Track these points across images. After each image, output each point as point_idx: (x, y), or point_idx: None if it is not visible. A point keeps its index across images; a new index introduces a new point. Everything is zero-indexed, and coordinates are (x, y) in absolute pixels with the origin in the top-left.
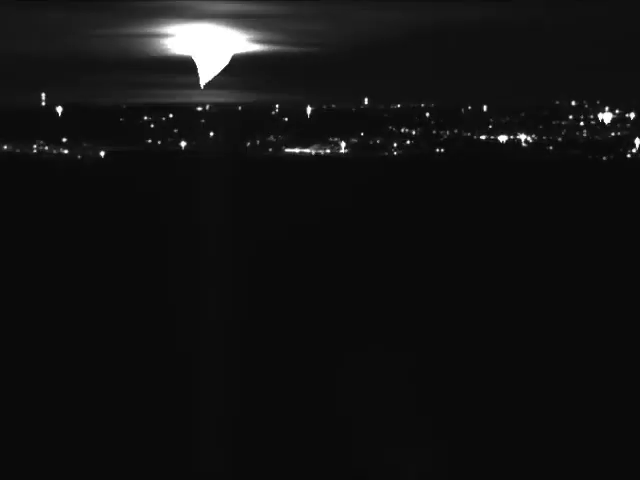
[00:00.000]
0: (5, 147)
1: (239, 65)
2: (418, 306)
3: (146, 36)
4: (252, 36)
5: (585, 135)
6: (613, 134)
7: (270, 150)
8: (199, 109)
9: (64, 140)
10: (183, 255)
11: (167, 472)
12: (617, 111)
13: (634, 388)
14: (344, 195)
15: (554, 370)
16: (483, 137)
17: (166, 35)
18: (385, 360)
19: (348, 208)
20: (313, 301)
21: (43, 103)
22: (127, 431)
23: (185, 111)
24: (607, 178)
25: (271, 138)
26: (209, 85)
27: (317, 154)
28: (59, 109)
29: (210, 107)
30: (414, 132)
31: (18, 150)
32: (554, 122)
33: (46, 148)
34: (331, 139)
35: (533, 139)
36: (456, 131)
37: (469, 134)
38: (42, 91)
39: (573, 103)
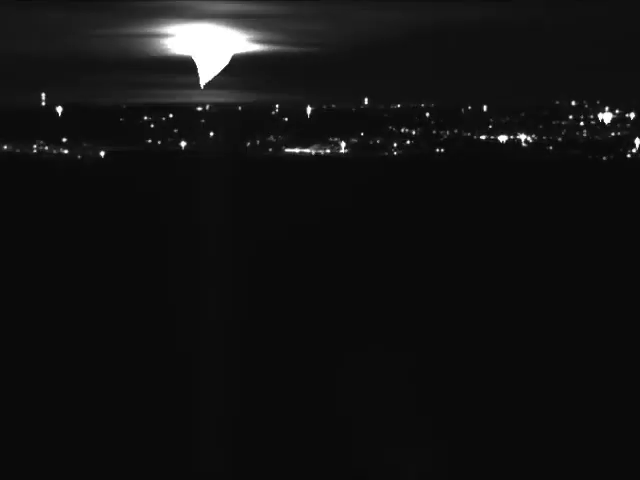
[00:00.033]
0: (5, 147)
1: (239, 65)
2: (418, 306)
3: (146, 36)
4: (252, 36)
5: (585, 135)
6: (613, 134)
7: (270, 150)
8: (199, 109)
9: (64, 140)
10: (183, 255)
11: (167, 472)
12: (617, 111)
13: (634, 388)
14: (344, 195)
15: (554, 370)
16: (483, 137)
17: (166, 35)
18: (385, 360)
19: (348, 208)
20: (313, 301)
21: (43, 103)
22: (127, 431)
23: (185, 111)
24: (607, 178)
25: (271, 138)
26: (209, 85)
27: (317, 154)
28: (59, 109)
29: (210, 107)
30: (414, 132)
31: (18, 150)
32: (554, 122)
33: (46, 148)
34: (331, 139)
35: (533, 139)
36: (456, 131)
37: (469, 134)
38: (42, 91)
39: (573, 103)
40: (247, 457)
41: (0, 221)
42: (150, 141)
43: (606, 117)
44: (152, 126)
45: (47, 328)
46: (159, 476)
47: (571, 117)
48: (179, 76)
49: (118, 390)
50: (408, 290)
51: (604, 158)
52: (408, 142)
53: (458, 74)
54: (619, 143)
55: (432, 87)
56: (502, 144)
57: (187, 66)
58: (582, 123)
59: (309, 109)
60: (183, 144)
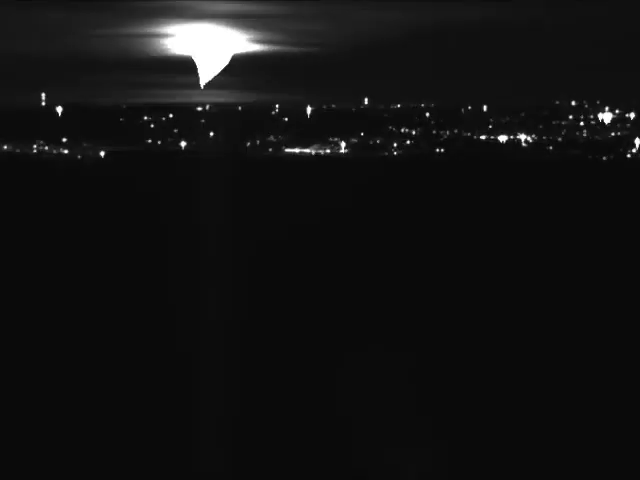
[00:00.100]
0: (5, 147)
1: (239, 65)
2: (418, 306)
3: (146, 36)
4: (252, 36)
5: (585, 135)
6: (613, 134)
7: (270, 150)
8: (199, 109)
9: (64, 140)
10: (183, 255)
11: (167, 472)
12: (617, 111)
13: (634, 388)
14: (344, 195)
15: (554, 370)
16: (483, 137)
17: (166, 35)
18: (385, 360)
19: (348, 208)
20: (313, 301)
21: (43, 103)
22: (127, 431)
23: (185, 111)
24: (607, 178)
25: (271, 138)
26: (209, 85)
27: (317, 154)
28: (59, 109)
29: (210, 107)
30: (414, 132)
31: (18, 150)
32: (554, 122)
33: (46, 148)
34: (331, 139)
35: (533, 139)
36: (456, 131)
37: (469, 134)
38: (42, 91)
39: (573, 103)
40: (247, 457)
41: (0, 221)
42: (150, 141)
43: (606, 117)
44: (152, 126)
45: (47, 328)
46: (159, 476)
47: (571, 117)
48: (179, 76)
49: (118, 390)
50: (408, 290)
51: (604, 158)
52: (408, 142)
53: (458, 74)
54: (619, 143)
55: (432, 87)
56: (502, 144)
57: (187, 66)
58: (582, 123)
59: (309, 109)
60: (183, 144)
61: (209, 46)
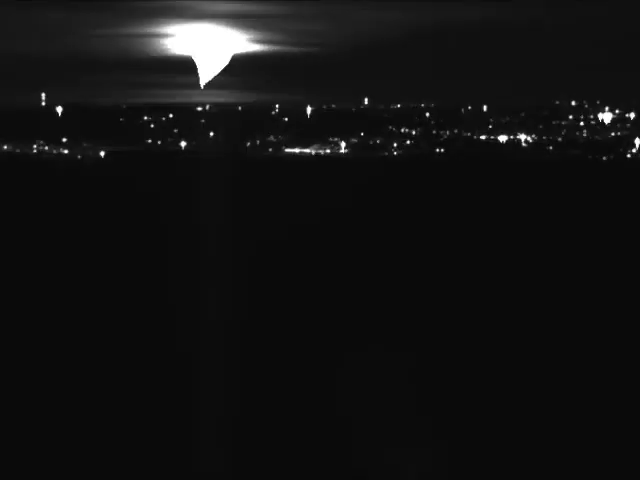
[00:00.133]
0: (5, 147)
1: (239, 65)
2: (418, 306)
3: (146, 36)
4: (252, 36)
5: (585, 135)
6: (613, 134)
7: (270, 150)
8: (199, 109)
9: (64, 140)
10: (183, 255)
11: (167, 472)
12: (617, 111)
13: (634, 388)
14: (344, 195)
15: (554, 370)
16: (483, 137)
17: (166, 35)
18: (385, 360)
19: (348, 208)
20: (313, 301)
21: (43, 103)
22: (127, 431)
23: (185, 111)
24: (607, 178)
25: (271, 138)
26: (209, 85)
27: (317, 154)
28: (59, 109)
29: (210, 107)
30: (414, 132)
31: (18, 150)
32: (554, 122)
33: (46, 148)
34: (331, 139)
35: (533, 139)
36: (456, 131)
37: (469, 134)
38: (42, 91)
39: (573, 103)
40: (247, 457)
41: (0, 221)
42: (150, 141)
43: (606, 117)
44: (152, 126)
45: (47, 328)
46: (159, 476)
47: (571, 117)
48: (179, 76)
49: (118, 390)
50: (408, 290)
51: (604, 158)
52: (408, 142)
53: (458, 74)
54: (619, 143)
55: (432, 87)
56: (502, 144)
57: (187, 66)
58: (582, 123)
59: (309, 109)
60: (183, 144)
61: (209, 46)
